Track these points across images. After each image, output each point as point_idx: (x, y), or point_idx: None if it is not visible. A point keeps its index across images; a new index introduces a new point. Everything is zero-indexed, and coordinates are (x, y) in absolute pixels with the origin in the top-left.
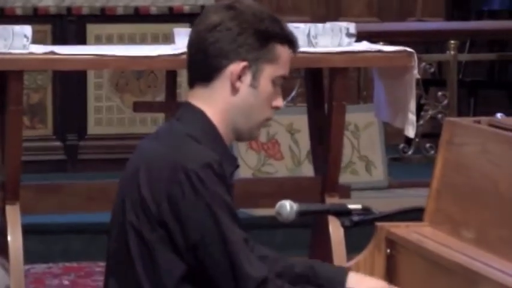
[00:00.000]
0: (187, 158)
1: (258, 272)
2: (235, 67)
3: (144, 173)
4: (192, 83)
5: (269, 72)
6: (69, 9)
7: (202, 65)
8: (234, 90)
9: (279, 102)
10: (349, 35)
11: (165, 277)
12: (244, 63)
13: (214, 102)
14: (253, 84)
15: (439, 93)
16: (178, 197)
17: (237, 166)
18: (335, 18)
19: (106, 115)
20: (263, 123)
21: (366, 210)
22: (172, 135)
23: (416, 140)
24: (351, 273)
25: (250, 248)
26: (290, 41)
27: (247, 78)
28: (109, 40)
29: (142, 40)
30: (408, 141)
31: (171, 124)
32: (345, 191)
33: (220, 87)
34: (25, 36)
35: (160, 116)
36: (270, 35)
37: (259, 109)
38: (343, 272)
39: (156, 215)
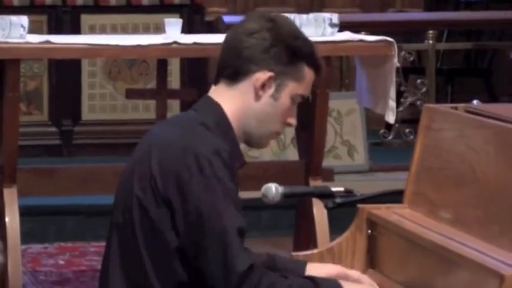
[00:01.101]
0: (198, 143)
1: (245, 260)
2: (262, 75)
3: (156, 153)
4: (218, 80)
5: (291, 89)
6: (64, 0)
7: (233, 65)
8: (256, 96)
9: (293, 120)
10: (332, 25)
11: (164, 251)
12: (270, 74)
13: (234, 101)
14: (275, 96)
15: (418, 81)
16: (184, 176)
17: (244, 163)
18: (319, 9)
19: (99, 102)
20: (273, 135)
21: (348, 192)
22: (186, 121)
23: (396, 125)
24: (309, 264)
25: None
26: (317, 67)
27: (271, 89)
28: (102, 30)
29: (135, 30)
30: (388, 126)
31: (186, 112)
32: (328, 175)
33: (244, 90)
34: (22, 26)
35: (152, 103)
36: (300, 55)
37: (273, 120)
38: (302, 264)
39: (162, 192)
